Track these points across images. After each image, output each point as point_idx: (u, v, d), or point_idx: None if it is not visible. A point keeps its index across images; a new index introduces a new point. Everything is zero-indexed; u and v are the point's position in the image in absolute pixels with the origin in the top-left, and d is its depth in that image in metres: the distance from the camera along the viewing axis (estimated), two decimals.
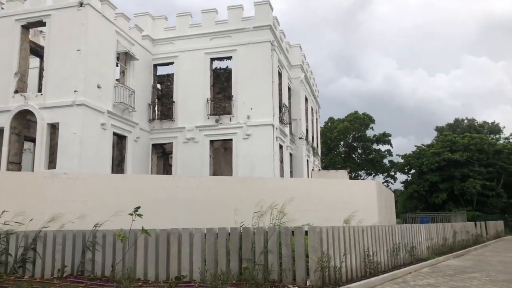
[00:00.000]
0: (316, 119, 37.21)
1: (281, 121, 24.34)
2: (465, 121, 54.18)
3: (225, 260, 7.71)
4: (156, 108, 24.79)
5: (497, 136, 50.57)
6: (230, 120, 22.88)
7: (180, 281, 7.35)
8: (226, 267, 7.67)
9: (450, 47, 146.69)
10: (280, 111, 24.46)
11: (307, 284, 7.28)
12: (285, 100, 25.96)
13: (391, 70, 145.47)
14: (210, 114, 23.12)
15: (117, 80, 21.51)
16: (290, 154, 27.09)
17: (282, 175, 23.93)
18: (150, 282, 7.78)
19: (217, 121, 22.94)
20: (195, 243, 7.90)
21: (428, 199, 42.68)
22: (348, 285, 7.64)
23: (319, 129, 38.75)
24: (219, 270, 7.64)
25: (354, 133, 54.52)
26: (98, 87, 19.28)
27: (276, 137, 22.99)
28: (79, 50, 18.50)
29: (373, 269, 9.47)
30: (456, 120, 54.78)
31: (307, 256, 7.52)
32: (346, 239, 8.72)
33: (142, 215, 7.40)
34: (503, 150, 41.86)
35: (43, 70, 19.51)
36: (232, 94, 23.21)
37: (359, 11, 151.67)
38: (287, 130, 25.81)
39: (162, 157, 26.60)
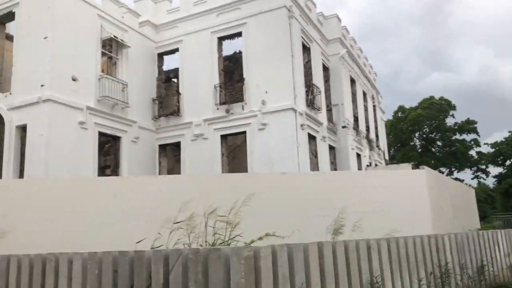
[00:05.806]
0: (374, 106, 31.34)
1: (310, 105, 19.58)
2: None
3: None
4: (163, 103, 21.40)
5: None
6: (243, 109, 18.69)
7: None
8: None
9: None
10: (308, 93, 19.72)
11: None
12: (318, 81, 21.12)
13: (488, 60, 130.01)
14: (220, 104, 19.11)
15: (105, 72, 18.51)
16: (331, 147, 22.06)
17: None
18: None
19: (227, 111, 18.86)
20: (74, 276, 5.29)
21: None
22: None
23: (378, 117, 32.72)
24: None
25: (430, 122, 46.52)
26: (74, 79, 16.34)
27: (301, 125, 18.30)
28: (46, 37, 15.75)
29: None
30: None
31: None
32: (328, 265, 5.06)
33: None
34: None
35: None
36: (244, 77, 19.03)
37: (446, 3, 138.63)
38: (321, 117, 20.89)
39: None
